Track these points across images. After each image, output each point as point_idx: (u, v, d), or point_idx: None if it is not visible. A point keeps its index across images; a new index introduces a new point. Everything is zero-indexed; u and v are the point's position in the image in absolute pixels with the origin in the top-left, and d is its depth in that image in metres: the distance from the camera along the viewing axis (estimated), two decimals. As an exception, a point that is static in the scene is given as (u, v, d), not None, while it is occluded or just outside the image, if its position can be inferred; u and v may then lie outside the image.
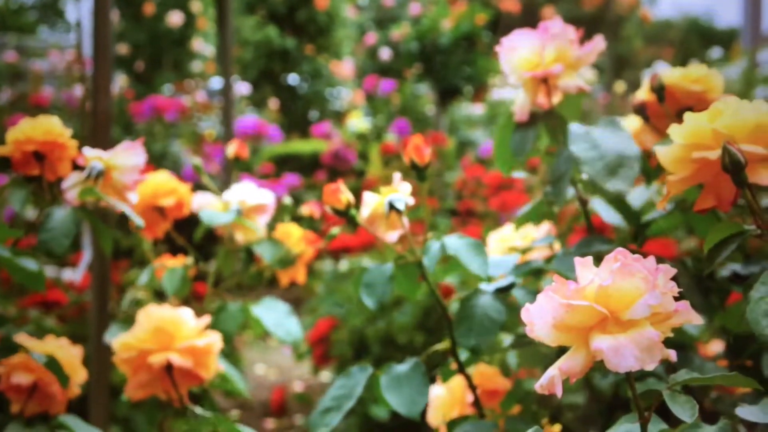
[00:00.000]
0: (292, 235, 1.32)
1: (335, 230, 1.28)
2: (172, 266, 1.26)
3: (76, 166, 0.99)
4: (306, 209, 1.40)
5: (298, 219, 1.39)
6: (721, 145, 0.67)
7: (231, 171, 2.53)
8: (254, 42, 6.77)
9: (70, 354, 1.00)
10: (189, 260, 1.28)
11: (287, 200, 1.39)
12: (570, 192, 1.02)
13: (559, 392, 0.56)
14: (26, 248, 0.96)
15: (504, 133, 1.02)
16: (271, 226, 1.34)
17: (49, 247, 0.91)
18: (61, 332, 1.94)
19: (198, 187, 1.35)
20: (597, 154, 0.91)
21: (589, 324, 0.56)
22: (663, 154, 0.73)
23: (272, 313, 1.27)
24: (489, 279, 0.93)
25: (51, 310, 2.16)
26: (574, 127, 0.95)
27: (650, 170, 1.02)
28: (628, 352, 0.54)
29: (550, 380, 0.57)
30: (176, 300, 1.26)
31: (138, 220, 0.99)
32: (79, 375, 1.00)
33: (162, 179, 1.23)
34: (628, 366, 0.54)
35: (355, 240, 2.85)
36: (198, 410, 1.00)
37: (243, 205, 1.28)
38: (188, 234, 1.33)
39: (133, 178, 1.01)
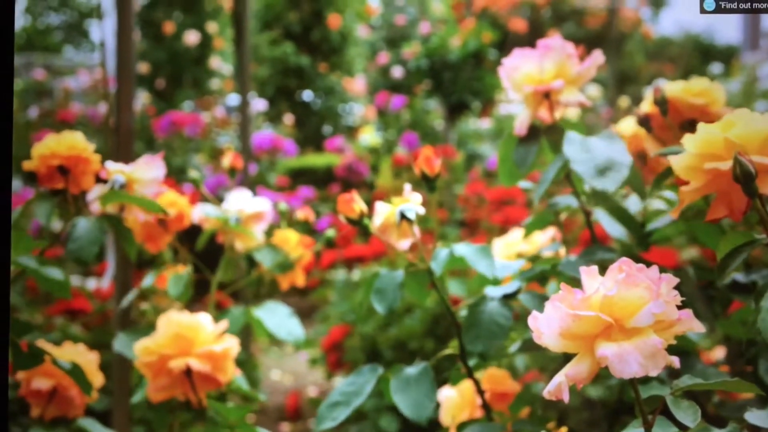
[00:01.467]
0: (290, 240, 1.35)
1: (331, 232, 1.31)
2: (176, 273, 1.30)
3: (100, 180, 1.02)
4: (301, 214, 1.43)
5: (296, 225, 1.42)
6: (733, 155, 0.69)
7: (248, 184, 2.58)
8: (271, 59, 6.86)
9: (87, 359, 1.03)
10: (189, 268, 1.32)
11: (282, 206, 1.42)
12: (574, 203, 1.05)
13: (566, 398, 0.57)
14: (52, 258, 1.00)
15: (507, 149, 1.04)
16: (271, 234, 1.38)
17: (78, 255, 0.94)
18: (85, 339, 1.98)
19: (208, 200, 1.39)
20: (588, 156, 0.94)
21: (594, 332, 0.58)
22: (676, 162, 0.74)
23: (273, 316, 1.29)
24: (495, 282, 0.95)
25: (76, 317, 2.20)
26: (571, 134, 0.97)
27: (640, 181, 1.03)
28: (632, 358, 0.55)
29: (557, 387, 0.58)
30: (181, 305, 1.30)
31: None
32: (95, 380, 1.03)
33: (162, 192, 1.27)
34: (632, 372, 0.55)
35: (368, 250, 2.88)
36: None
37: (241, 214, 1.31)
38: (192, 245, 1.37)
39: (153, 190, 1.05)
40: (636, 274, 0.58)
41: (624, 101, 5.98)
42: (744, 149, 0.70)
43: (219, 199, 1.39)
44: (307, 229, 1.40)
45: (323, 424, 0.91)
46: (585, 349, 0.59)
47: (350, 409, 0.91)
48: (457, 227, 3.99)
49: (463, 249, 0.95)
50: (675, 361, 0.58)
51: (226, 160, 1.43)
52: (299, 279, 1.37)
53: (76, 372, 0.94)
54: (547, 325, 0.59)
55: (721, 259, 0.74)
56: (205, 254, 1.38)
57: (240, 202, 1.33)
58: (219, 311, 1.38)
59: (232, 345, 1.03)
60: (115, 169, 1.03)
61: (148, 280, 1.32)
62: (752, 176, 0.68)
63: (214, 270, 1.37)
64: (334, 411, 0.92)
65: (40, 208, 0.98)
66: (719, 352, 1.21)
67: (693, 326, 0.59)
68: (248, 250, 1.34)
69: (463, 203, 4.17)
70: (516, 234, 1.19)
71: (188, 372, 1.01)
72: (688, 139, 0.73)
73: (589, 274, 0.61)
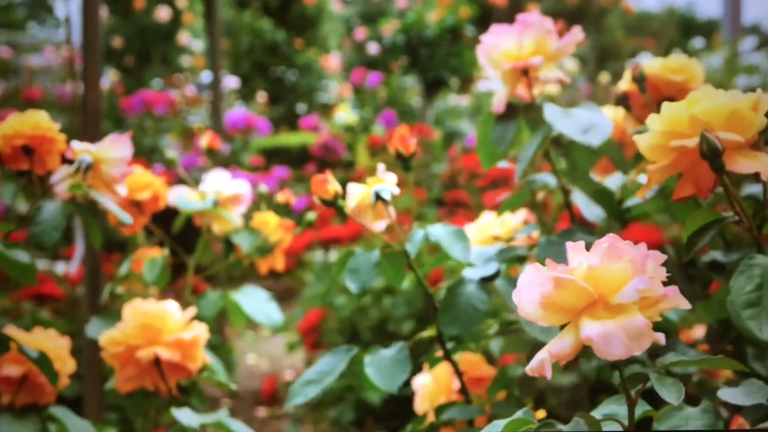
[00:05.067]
0: (269, 223, 1.33)
1: (311, 216, 1.29)
2: (152, 256, 1.27)
3: (66, 160, 0.99)
4: (282, 197, 1.41)
5: (276, 207, 1.40)
6: (699, 132, 0.68)
7: (221, 164, 2.54)
8: (247, 34, 6.75)
9: (58, 345, 1.00)
10: (166, 251, 1.29)
11: (263, 189, 1.40)
12: (552, 181, 1.04)
13: (548, 375, 0.56)
14: (18, 241, 0.96)
15: (485, 129, 1.02)
16: (248, 216, 1.36)
17: (40, 239, 0.92)
18: (55, 325, 1.94)
19: (183, 181, 1.36)
20: (571, 120, 0.94)
21: (577, 305, 0.56)
22: (642, 141, 0.73)
23: (252, 300, 1.29)
24: (471, 264, 0.94)
25: (45, 302, 2.17)
26: (550, 105, 0.96)
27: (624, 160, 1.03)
28: (617, 340, 0.54)
29: (540, 363, 0.57)
30: (156, 289, 1.27)
31: (125, 217, 0.99)
32: (67, 366, 1.01)
33: (137, 173, 1.23)
34: (617, 354, 0.53)
35: (345, 231, 2.86)
36: (183, 414, 0.99)
37: (219, 196, 1.29)
38: (167, 227, 1.34)
39: (121, 170, 1.01)
40: (621, 245, 0.56)
41: (604, 77, 5.98)
42: (709, 126, 0.69)
43: (192, 181, 1.36)
44: (286, 211, 1.38)
45: (294, 399, 0.91)
46: (566, 321, 0.57)
47: (321, 386, 0.91)
48: (435, 207, 3.97)
49: (438, 231, 0.93)
50: (660, 338, 0.56)
51: (204, 141, 1.39)
52: (278, 263, 1.35)
53: (42, 361, 0.91)
54: (528, 290, 0.57)
55: (688, 237, 0.74)
56: (179, 237, 1.35)
57: (217, 183, 1.30)
58: (194, 295, 1.35)
59: (201, 332, 1.01)
60: (82, 149, 0.99)
61: (124, 268, 1.29)
62: (719, 152, 0.68)
63: (188, 253, 1.34)
64: (306, 388, 0.92)
65: (4, 190, 0.95)
66: (698, 332, 1.21)
67: (678, 303, 0.57)
68: (226, 233, 1.31)
69: (451, 177, 4.13)
70: (489, 217, 1.17)
71: (157, 361, 1.00)
72: (653, 118, 0.72)
73: (574, 249, 0.59)
